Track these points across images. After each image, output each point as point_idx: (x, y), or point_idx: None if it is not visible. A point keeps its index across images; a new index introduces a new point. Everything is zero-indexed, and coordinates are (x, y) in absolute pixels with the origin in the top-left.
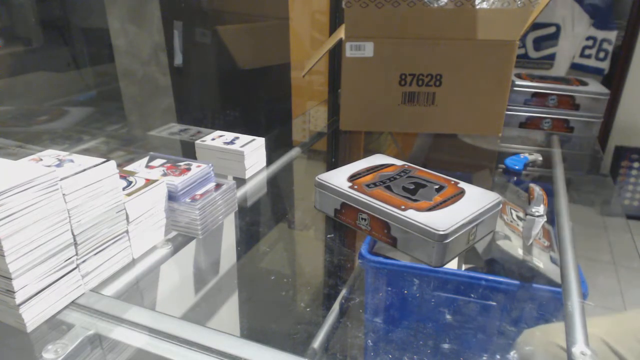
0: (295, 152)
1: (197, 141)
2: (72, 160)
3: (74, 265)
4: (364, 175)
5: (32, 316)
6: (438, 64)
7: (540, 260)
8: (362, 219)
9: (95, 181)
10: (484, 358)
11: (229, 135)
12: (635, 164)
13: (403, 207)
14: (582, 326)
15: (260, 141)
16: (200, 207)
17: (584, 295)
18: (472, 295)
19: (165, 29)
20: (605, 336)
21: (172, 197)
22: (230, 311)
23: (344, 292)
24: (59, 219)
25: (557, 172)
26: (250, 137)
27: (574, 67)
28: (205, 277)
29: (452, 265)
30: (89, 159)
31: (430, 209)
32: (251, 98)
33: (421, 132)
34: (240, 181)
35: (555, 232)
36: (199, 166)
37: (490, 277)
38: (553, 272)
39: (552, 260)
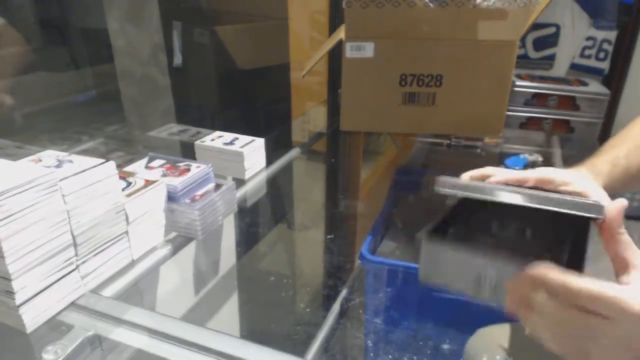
0: (294, 152)
1: (197, 142)
2: (71, 161)
3: (73, 266)
4: None
5: (32, 317)
6: (438, 64)
7: None
8: None
9: (94, 182)
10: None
11: (229, 136)
12: None
13: None
14: None
15: (260, 142)
16: (200, 208)
17: None
18: None
19: (165, 29)
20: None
21: (171, 197)
22: (230, 312)
23: (344, 292)
24: (59, 220)
25: None
26: (249, 138)
27: (574, 67)
28: (205, 277)
29: None
30: (89, 159)
31: None
32: (250, 98)
33: (421, 132)
34: (240, 182)
35: None
36: (198, 167)
37: None
38: None
39: None
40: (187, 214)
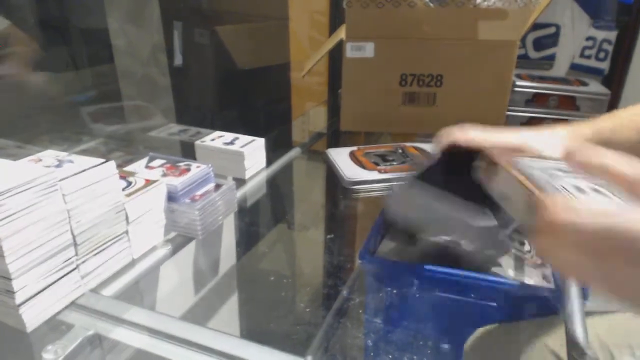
0: (295, 152)
1: (197, 141)
2: (71, 161)
3: (73, 266)
4: None
5: (32, 316)
6: (439, 64)
7: (532, 279)
8: None
9: (94, 182)
10: None
11: (229, 136)
12: None
13: None
14: (582, 327)
15: (260, 142)
16: (200, 208)
17: (584, 295)
18: (472, 296)
19: (165, 29)
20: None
21: (171, 197)
22: (229, 311)
23: (344, 292)
24: (59, 220)
25: None
26: (250, 138)
27: (574, 67)
28: (205, 277)
29: None
30: (89, 159)
31: None
32: (251, 98)
33: (421, 132)
34: (240, 182)
35: None
36: (198, 167)
37: (491, 278)
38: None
39: (544, 277)
40: (187, 214)
